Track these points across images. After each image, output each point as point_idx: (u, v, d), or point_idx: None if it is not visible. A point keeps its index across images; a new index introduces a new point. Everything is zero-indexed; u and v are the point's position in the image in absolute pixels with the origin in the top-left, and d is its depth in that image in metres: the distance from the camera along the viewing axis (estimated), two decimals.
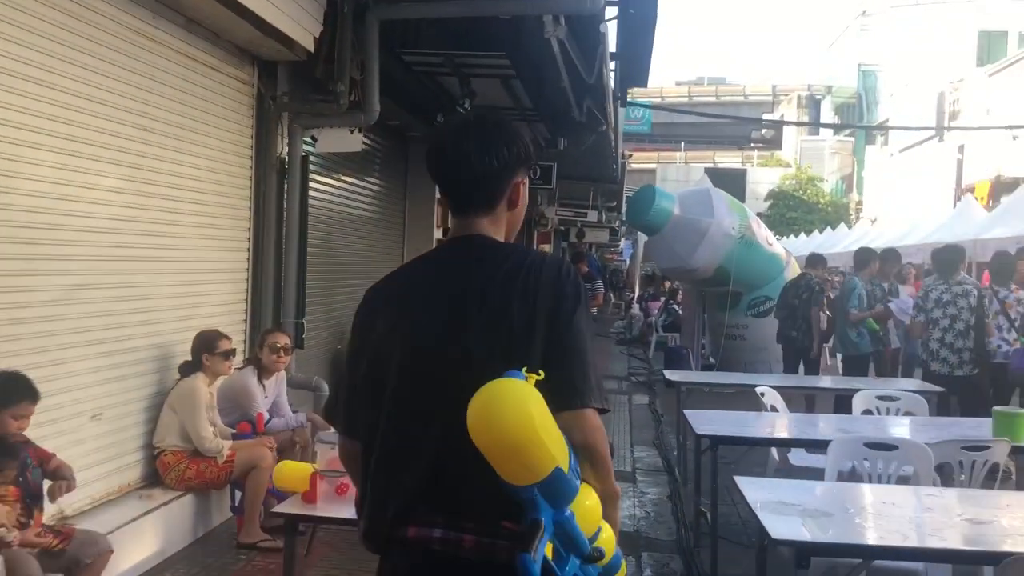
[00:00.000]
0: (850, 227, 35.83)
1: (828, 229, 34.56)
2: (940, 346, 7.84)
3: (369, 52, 6.59)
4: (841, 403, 8.54)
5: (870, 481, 4.40)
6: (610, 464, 1.92)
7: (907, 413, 6.14)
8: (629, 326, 20.44)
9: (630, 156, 22.00)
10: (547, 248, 23.22)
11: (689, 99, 54.56)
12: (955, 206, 32.19)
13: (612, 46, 8.20)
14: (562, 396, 1.80)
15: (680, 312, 17.05)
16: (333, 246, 8.53)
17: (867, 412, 6.17)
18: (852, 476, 4.55)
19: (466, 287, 1.94)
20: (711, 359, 13.85)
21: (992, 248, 20.24)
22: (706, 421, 5.57)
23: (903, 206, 37.74)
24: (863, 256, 9.68)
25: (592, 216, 18.57)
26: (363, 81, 6.71)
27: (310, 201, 6.98)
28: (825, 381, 9.02)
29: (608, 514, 1.89)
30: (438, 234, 10.81)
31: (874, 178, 46.46)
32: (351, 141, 6.89)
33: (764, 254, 12.72)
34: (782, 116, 54.67)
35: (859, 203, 46.62)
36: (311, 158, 7.07)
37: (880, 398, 6.26)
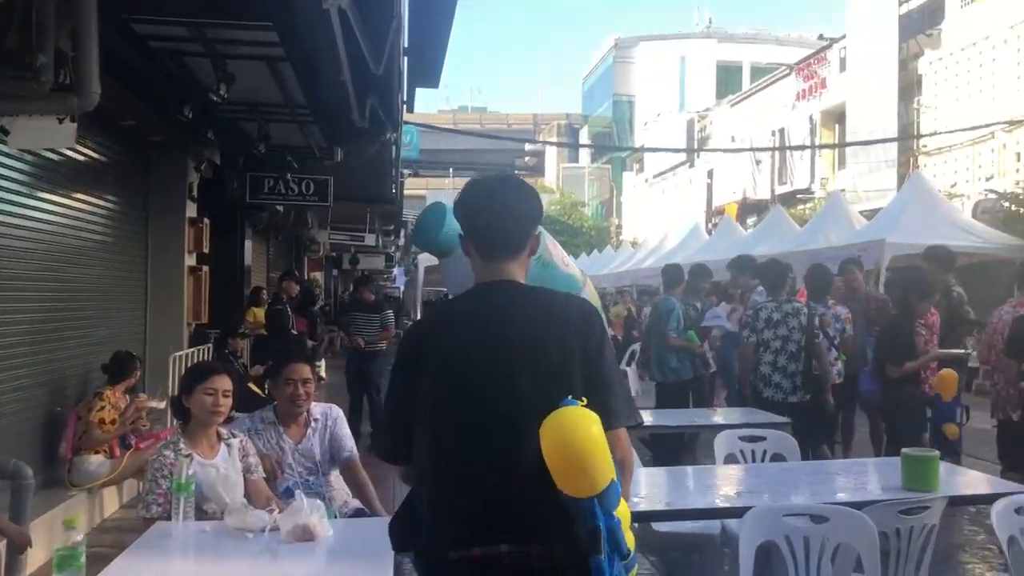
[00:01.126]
0: (614, 249, 36.34)
1: (595, 252, 34.74)
2: (772, 370, 6.90)
3: (84, 16, 4.75)
4: (658, 441, 7.48)
5: (798, 568, 3.21)
6: (631, 476, 2.24)
7: (776, 457, 5.07)
8: None
9: (410, 175, 20.56)
10: (318, 276, 21.33)
11: (455, 126, 54.14)
12: (707, 227, 33.44)
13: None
14: (602, 419, 1.99)
15: None
16: (57, 279, 6.53)
17: (731, 457, 5.05)
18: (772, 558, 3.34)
19: (509, 328, 2.17)
20: None
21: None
22: None
23: (658, 228, 38.93)
24: (673, 273, 8.72)
25: (370, 240, 16.96)
26: (76, 56, 4.86)
27: (14, 221, 5.03)
28: (664, 416, 7.62)
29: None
30: (190, 260, 8.89)
31: (631, 203, 47.93)
32: (60, 134, 4.98)
33: (561, 275, 11.50)
34: (543, 146, 55.41)
35: (619, 226, 47.83)
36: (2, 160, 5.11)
37: (744, 439, 5.15)
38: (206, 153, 8.77)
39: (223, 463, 3.86)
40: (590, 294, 12.78)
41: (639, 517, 3.29)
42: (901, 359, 6.16)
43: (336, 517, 4.26)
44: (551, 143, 46.34)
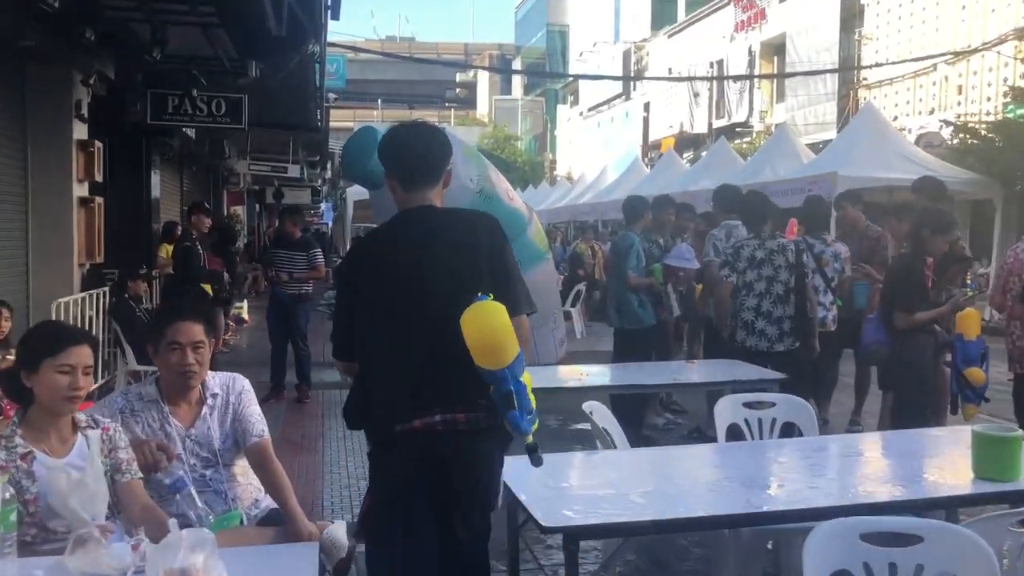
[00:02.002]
0: (550, 185, 35.26)
1: (530, 187, 33.61)
2: (756, 316, 6.01)
3: None
4: (620, 402, 6.48)
5: None
6: (529, 352, 2.66)
7: (787, 428, 4.15)
8: None
9: (335, 99, 19.01)
10: (239, 210, 19.85)
11: (383, 56, 52.01)
12: (645, 160, 32.61)
13: None
14: (508, 308, 2.51)
15: None
16: None
17: (735, 429, 4.12)
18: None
19: (432, 242, 2.66)
20: None
21: (702, 200, 19.82)
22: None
23: (594, 163, 37.97)
24: (635, 206, 7.73)
25: (294, 171, 15.56)
26: None
27: None
28: (632, 372, 6.45)
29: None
30: (81, 191, 7.59)
31: (565, 137, 46.79)
32: None
33: (505, 210, 10.52)
34: (474, 74, 53.75)
35: (553, 161, 46.71)
36: None
37: (748, 406, 4.22)
38: (96, 65, 7.42)
39: (79, 462, 2.77)
40: (536, 230, 11.41)
41: (637, 530, 2.88)
42: (911, 306, 5.29)
43: (243, 523, 3.21)
44: (484, 68, 44.72)
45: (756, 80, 29.32)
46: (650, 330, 7.31)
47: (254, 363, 9.64)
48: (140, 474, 2.88)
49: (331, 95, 17.92)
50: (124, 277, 7.79)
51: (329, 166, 20.88)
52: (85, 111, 7.68)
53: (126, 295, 7.72)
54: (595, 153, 39.68)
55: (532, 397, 2.51)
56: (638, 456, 3.99)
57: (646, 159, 33.80)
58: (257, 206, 22.11)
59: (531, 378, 2.51)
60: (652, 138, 36.38)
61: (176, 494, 2.93)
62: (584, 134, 42.88)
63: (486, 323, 2.43)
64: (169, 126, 8.81)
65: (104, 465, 2.80)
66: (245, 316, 13.10)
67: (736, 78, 28.04)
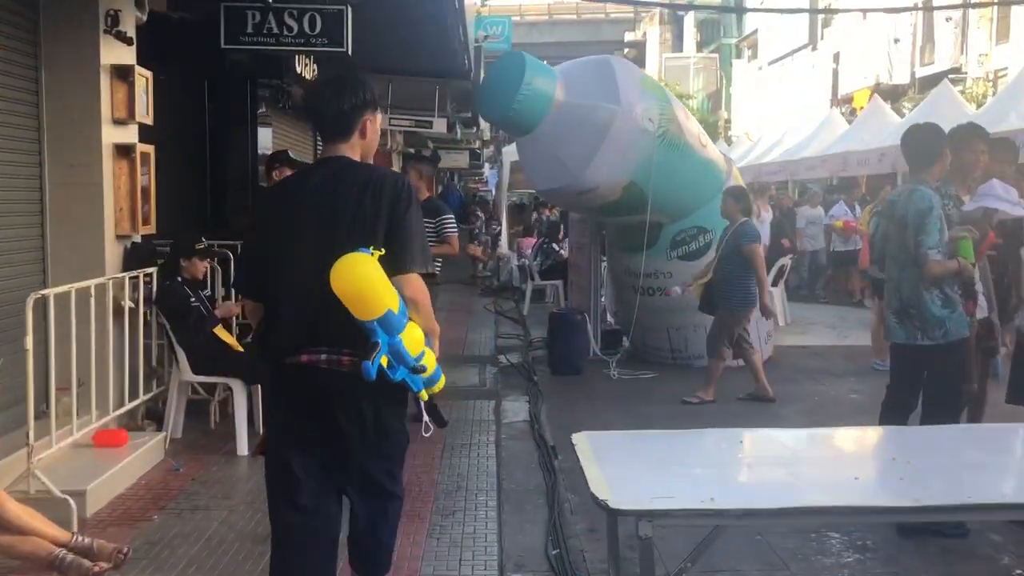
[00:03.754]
0: (728, 144, 31.70)
1: None
2: None
3: None
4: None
5: None
6: (429, 310, 2.75)
7: None
8: (497, 269, 15.30)
9: (485, 38, 16.47)
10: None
11: (550, 17, 49.21)
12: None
13: None
14: (396, 264, 2.59)
15: (563, 252, 12.03)
16: None
17: None
18: None
19: (335, 191, 2.68)
20: (612, 322, 8.90)
21: (854, 162, 16.36)
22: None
23: (776, 120, 34.04)
24: (928, 140, 4.67)
25: (440, 126, 13.19)
26: None
27: None
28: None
29: (432, 344, 2.75)
30: (117, 134, 5.37)
31: (743, 94, 42.71)
32: None
33: (697, 161, 7.73)
34: (644, 34, 50.21)
35: (727, 121, 42.77)
36: None
37: None
38: None
39: None
40: (736, 181, 7.89)
41: None
42: None
43: None
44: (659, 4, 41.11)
45: (973, 16, 24.70)
46: (957, 345, 4.38)
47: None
48: None
49: (484, 33, 15.41)
50: (177, 253, 5.52)
51: (488, 124, 18.44)
52: (129, 28, 5.44)
53: (179, 278, 5.46)
54: (778, 110, 35.62)
55: (430, 355, 2.67)
56: None
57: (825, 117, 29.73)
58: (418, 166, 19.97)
59: (422, 335, 2.64)
60: (843, 91, 32.00)
61: None
62: (764, 90, 38.74)
63: (349, 274, 2.45)
64: (249, 50, 6.48)
65: None
66: None
67: (973, 5, 23.49)
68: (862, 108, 29.36)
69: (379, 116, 2.88)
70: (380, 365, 2.45)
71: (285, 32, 6.26)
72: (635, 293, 7.67)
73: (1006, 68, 23.30)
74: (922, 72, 27.03)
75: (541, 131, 7.20)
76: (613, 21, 50.99)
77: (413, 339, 2.57)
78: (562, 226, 13.48)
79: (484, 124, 19.06)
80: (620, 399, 7.03)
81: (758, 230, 6.97)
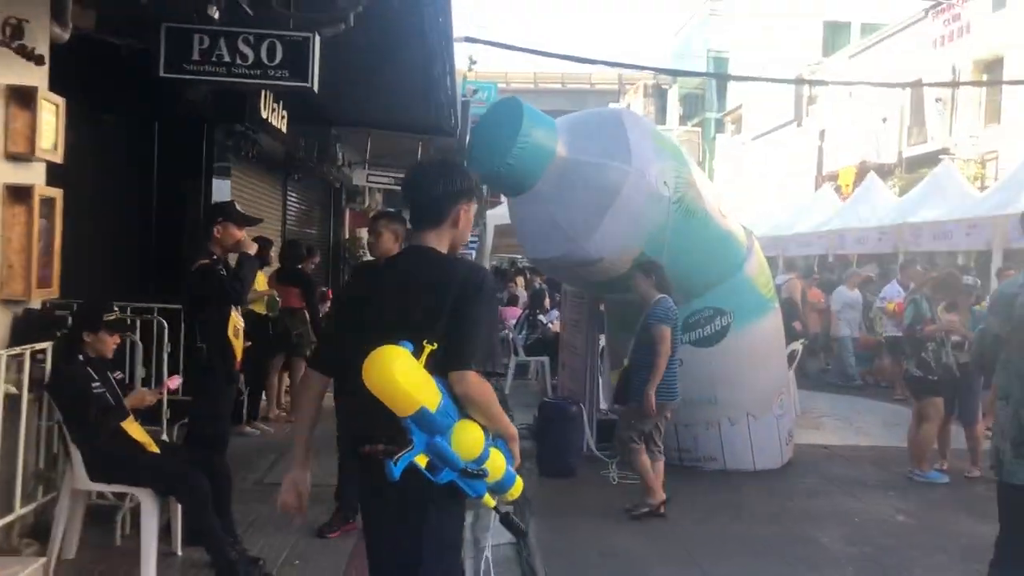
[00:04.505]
0: None
1: None
2: None
3: None
4: None
5: None
6: (494, 410, 2.47)
7: None
8: None
9: (475, 92, 15.37)
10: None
11: (535, 85, 48.83)
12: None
13: None
14: (450, 360, 2.40)
15: (550, 326, 10.87)
16: None
17: None
18: None
19: (407, 283, 2.56)
20: (609, 413, 7.69)
21: (928, 235, 15.23)
22: None
23: (758, 196, 33.49)
24: None
25: None
26: None
27: None
28: None
29: (511, 449, 2.52)
30: (15, 174, 4.21)
31: (725, 168, 42.30)
32: None
33: (716, 232, 6.64)
34: (628, 105, 49.96)
35: None
36: None
37: None
38: None
39: None
40: (758, 265, 6.84)
41: None
42: None
43: None
44: (646, 69, 40.70)
45: (962, 99, 24.26)
46: None
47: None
48: None
49: (475, 90, 14.44)
50: (80, 325, 4.30)
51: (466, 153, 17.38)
52: (39, 45, 4.32)
53: (80, 356, 4.24)
54: (760, 184, 35.12)
55: (496, 460, 2.45)
56: None
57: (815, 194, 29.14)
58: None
59: (479, 438, 2.41)
60: (828, 169, 31.50)
61: None
62: (747, 165, 38.31)
63: (377, 369, 2.30)
64: (192, 80, 5.35)
65: None
66: None
67: (971, 84, 23.04)
68: (847, 186, 28.84)
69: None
70: (415, 464, 2.32)
71: (239, 61, 5.15)
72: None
73: (995, 151, 22.79)
74: (910, 152, 26.55)
75: (539, 191, 6.10)
76: (599, 92, 50.76)
77: (465, 440, 2.38)
78: (547, 295, 12.37)
79: None
80: (624, 513, 5.79)
81: (674, 311, 5.76)
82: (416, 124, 10.93)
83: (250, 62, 5.16)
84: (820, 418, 9.45)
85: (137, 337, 5.34)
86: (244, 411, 7.81)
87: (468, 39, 14.08)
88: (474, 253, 31.48)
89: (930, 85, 23.20)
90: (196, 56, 5.12)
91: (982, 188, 17.62)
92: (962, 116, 24.65)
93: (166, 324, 6.08)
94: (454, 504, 2.52)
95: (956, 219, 14.11)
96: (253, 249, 5.01)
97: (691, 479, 6.62)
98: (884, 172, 27.21)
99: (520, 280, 16.14)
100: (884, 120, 27.88)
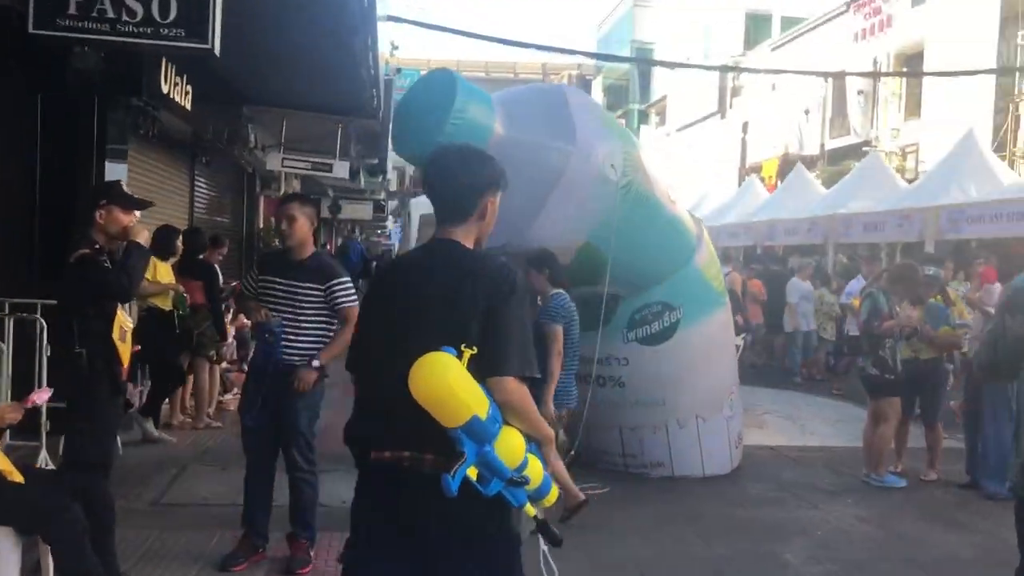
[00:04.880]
0: None
1: None
2: None
3: None
4: None
5: None
6: (533, 416, 2.37)
7: None
8: None
9: (398, 71, 14.46)
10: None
11: (487, 75, 48.04)
12: (740, 186, 28.13)
13: None
14: (488, 366, 2.28)
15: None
16: None
17: None
18: None
19: (429, 281, 2.42)
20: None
21: (859, 226, 15.10)
22: None
23: (684, 188, 33.47)
24: None
25: (341, 171, 11.25)
26: None
27: None
28: None
29: (546, 453, 2.42)
30: None
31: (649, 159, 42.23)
32: None
33: (666, 220, 6.12)
34: None
35: None
36: None
37: None
38: None
39: None
40: (708, 257, 6.91)
41: None
42: None
43: None
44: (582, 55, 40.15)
45: (883, 92, 24.52)
46: None
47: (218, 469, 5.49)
48: None
49: (396, 68, 13.69)
50: None
51: (394, 174, 16.58)
52: None
53: None
54: (685, 176, 35.13)
55: (534, 466, 2.33)
56: None
57: (740, 185, 29.23)
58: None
59: (520, 444, 2.30)
60: (751, 160, 31.65)
61: None
62: (671, 157, 38.35)
63: (428, 379, 2.20)
64: (68, 38, 4.55)
65: None
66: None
67: (891, 74, 23.12)
68: (770, 177, 28.98)
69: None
70: (467, 477, 2.21)
71: (125, 17, 4.37)
72: (584, 384, 5.93)
73: (916, 143, 23.06)
74: (832, 144, 26.75)
75: None
76: (522, 81, 50.03)
77: (509, 447, 2.27)
78: None
79: (391, 174, 17.26)
80: (572, 532, 5.22)
81: (570, 308, 5.27)
82: (335, 104, 10.17)
83: (139, 18, 4.39)
84: (763, 415, 9.08)
85: (10, 339, 4.56)
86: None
87: (392, 18, 13.37)
88: (396, 245, 30.64)
89: (851, 74, 23.29)
90: (72, 10, 4.33)
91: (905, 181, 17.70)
92: (883, 109, 24.91)
93: (45, 324, 5.32)
94: (493, 502, 2.33)
95: (888, 210, 14.01)
96: (144, 237, 4.27)
97: (638, 487, 6.10)
98: (807, 164, 27.34)
99: None
100: (807, 112, 28.06)
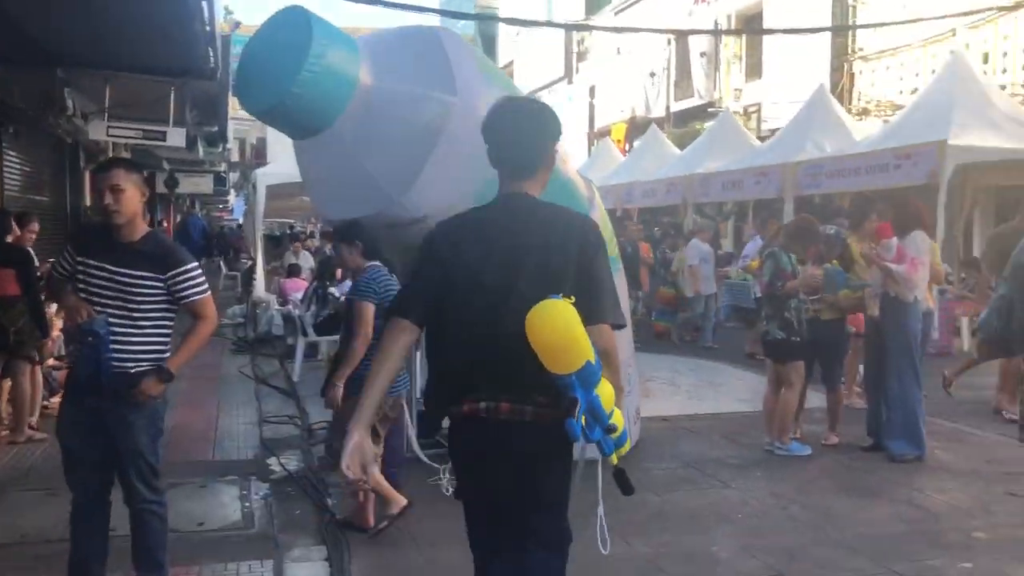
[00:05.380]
0: None
1: None
2: None
3: None
4: None
5: None
6: (619, 364, 2.48)
7: None
8: (253, 318, 12.14)
9: (237, 25, 13.06)
10: None
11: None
12: (590, 150, 28.15)
13: None
14: (588, 314, 2.30)
15: (343, 299, 9.37)
16: None
17: None
18: None
19: (520, 236, 2.44)
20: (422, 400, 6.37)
21: (717, 185, 15.03)
22: None
23: None
24: None
25: (176, 139, 9.97)
26: None
27: None
28: None
29: (618, 402, 2.36)
30: None
31: None
32: None
33: (560, 182, 5.42)
34: None
35: None
36: None
37: None
38: None
39: None
40: (601, 218, 6.14)
41: None
42: None
43: None
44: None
45: (725, 54, 24.85)
46: None
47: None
48: None
49: (238, 25, 12.41)
50: None
51: (235, 143, 15.23)
52: None
53: None
54: None
55: (619, 415, 2.33)
56: None
57: (593, 148, 29.17)
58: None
59: (613, 393, 2.32)
60: (599, 124, 31.64)
61: None
62: None
63: (551, 323, 2.22)
64: None
65: None
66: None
67: (728, 32, 23.30)
68: (619, 141, 29.03)
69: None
70: (577, 424, 2.22)
71: None
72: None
73: (758, 103, 23.50)
74: (677, 106, 26.98)
75: (338, 131, 4.62)
76: None
77: (606, 395, 2.29)
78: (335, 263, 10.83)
79: (232, 143, 15.88)
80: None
81: (385, 282, 4.66)
82: (166, 65, 8.95)
83: None
84: (647, 382, 8.67)
85: None
86: None
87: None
88: (241, 218, 28.77)
89: (694, 32, 23.43)
90: None
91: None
92: (725, 71, 25.26)
93: None
94: (565, 451, 2.42)
95: (745, 168, 13.99)
96: None
97: None
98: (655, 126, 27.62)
99: (298, 247, 14.42)
100: (652, 75, 28.19)
